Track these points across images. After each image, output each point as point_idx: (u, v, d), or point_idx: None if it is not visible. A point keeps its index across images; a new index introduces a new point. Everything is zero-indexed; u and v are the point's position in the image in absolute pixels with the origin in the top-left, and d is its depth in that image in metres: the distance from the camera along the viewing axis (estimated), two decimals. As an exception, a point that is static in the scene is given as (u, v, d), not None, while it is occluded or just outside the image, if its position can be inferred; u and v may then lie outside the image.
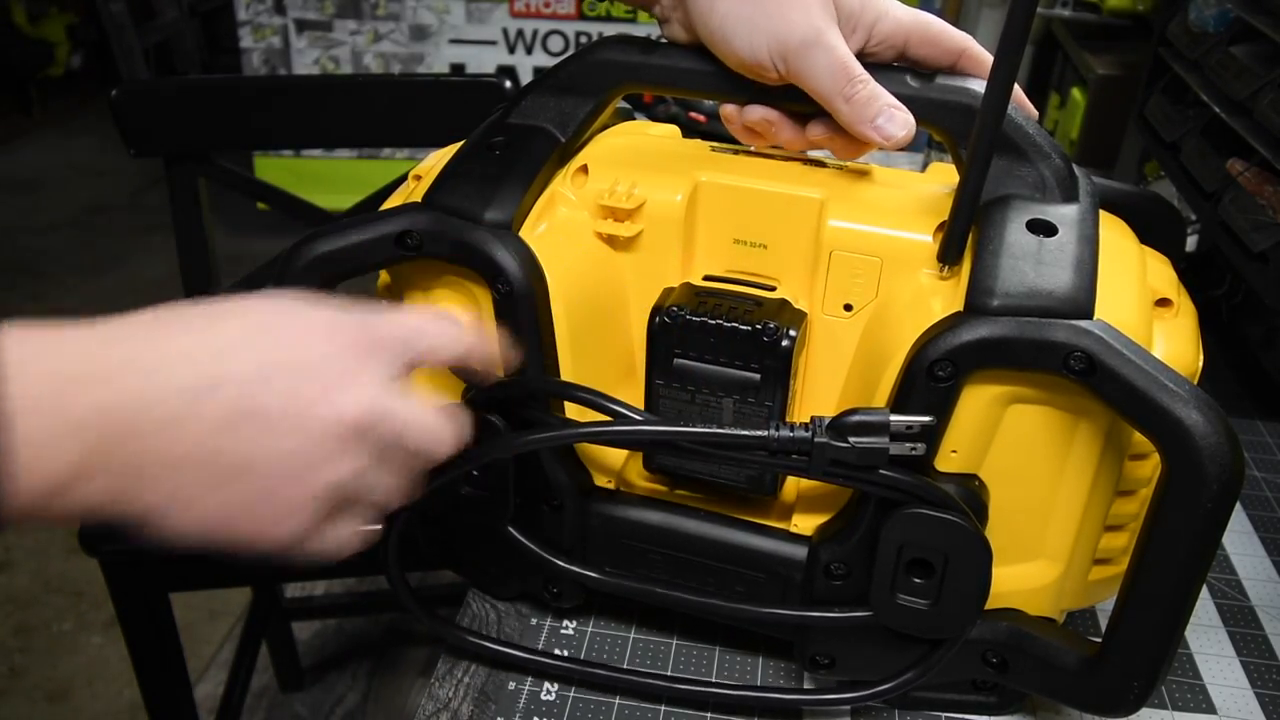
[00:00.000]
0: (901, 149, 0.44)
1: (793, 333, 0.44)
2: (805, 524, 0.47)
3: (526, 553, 0.49)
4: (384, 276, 0.49)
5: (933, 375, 0.39)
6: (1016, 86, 0.40)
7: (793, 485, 0.49)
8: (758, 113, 0.46)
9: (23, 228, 2.91)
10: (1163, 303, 0.43)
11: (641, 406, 0.47)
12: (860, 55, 0.45)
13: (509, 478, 0.46)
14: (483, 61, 2.53)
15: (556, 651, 0.50)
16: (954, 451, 0.41)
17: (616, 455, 0.50)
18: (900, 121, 0.43)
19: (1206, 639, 0.54)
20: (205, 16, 3.29)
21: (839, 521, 0.45)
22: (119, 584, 0.98)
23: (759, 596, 0.47)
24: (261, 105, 1.16)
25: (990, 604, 0.43)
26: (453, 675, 0.50)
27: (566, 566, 0.48)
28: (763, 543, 0.47)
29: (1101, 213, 0.44)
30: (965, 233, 0.42)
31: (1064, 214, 0.42)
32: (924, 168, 0.51)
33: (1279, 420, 0.74)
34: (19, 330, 0.31)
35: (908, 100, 0.44)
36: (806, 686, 0.49)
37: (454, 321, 0.41)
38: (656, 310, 0.45)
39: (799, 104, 0.45)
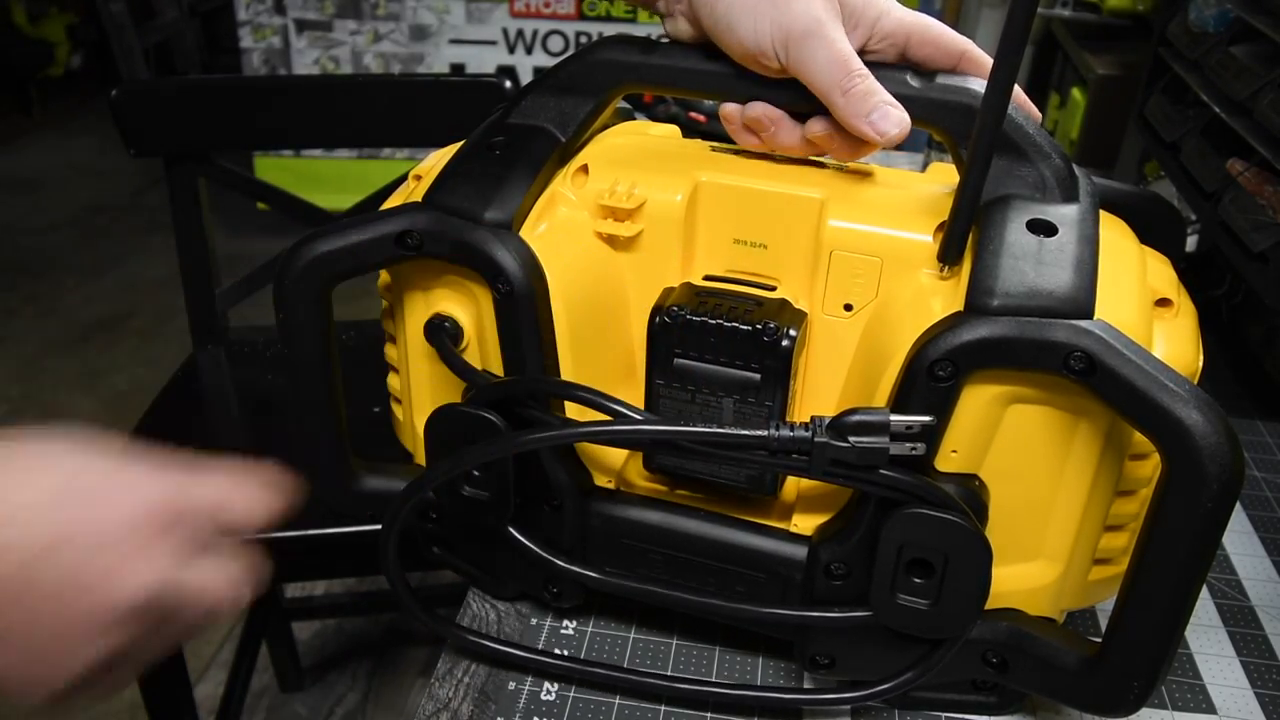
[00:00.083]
0: (900, 149, 0.44)
1: (793, 333, 0.44)
2: (805, 524, 0.47)
3: (526, 553, 0.49)
4: (384, 276, 0.49)
5: (933, 375, 0.39)
6: (1017, 87, 0.40)
7: (793, 485, 0.49)
8: (758, 109, 0.46)
9: (23, 228, 2.92)
10: (1163, 303, 0.43)
11: (642, 406, 0.47)
12: (862, 53, 0.45)
13: (509, 477, 0.46)
14: (483, 61, 2.53)
15: (556, 651, 0.50)
16: (954, 451, 0.41)
17: (616, 455, 0.50)
18: (895, 119, 0.43)
19: (1206, 639, 0.54)
20: (205, 16, 3.30)
21: (839, 521, 0.45)
22: (119, 584, 0.98)
23: (759, 596, 0.47)
24: (261, 105, 1.16)
25: (990, 604, 0.43)
26: (453, 675, 0.50)
27: (566, 566, 0.48)
28: (763, 543, 0.47)
29: (1101, 213, 0.44)
30: (965, 233, 0.42)
31: (1064, 214, 0.42)
32: (924, 168, 0.51)
33: (1279, 420, 0.74)
34: None
35: (908, 100, 0.44)
36: (806, 686, 0.49)
37: (265, 491, 0.40)
38: (656, 310, 0.45)
39: (799, 102, 0.45)
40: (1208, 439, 0.36)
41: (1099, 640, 0.43)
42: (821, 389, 0.48)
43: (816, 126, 0.45)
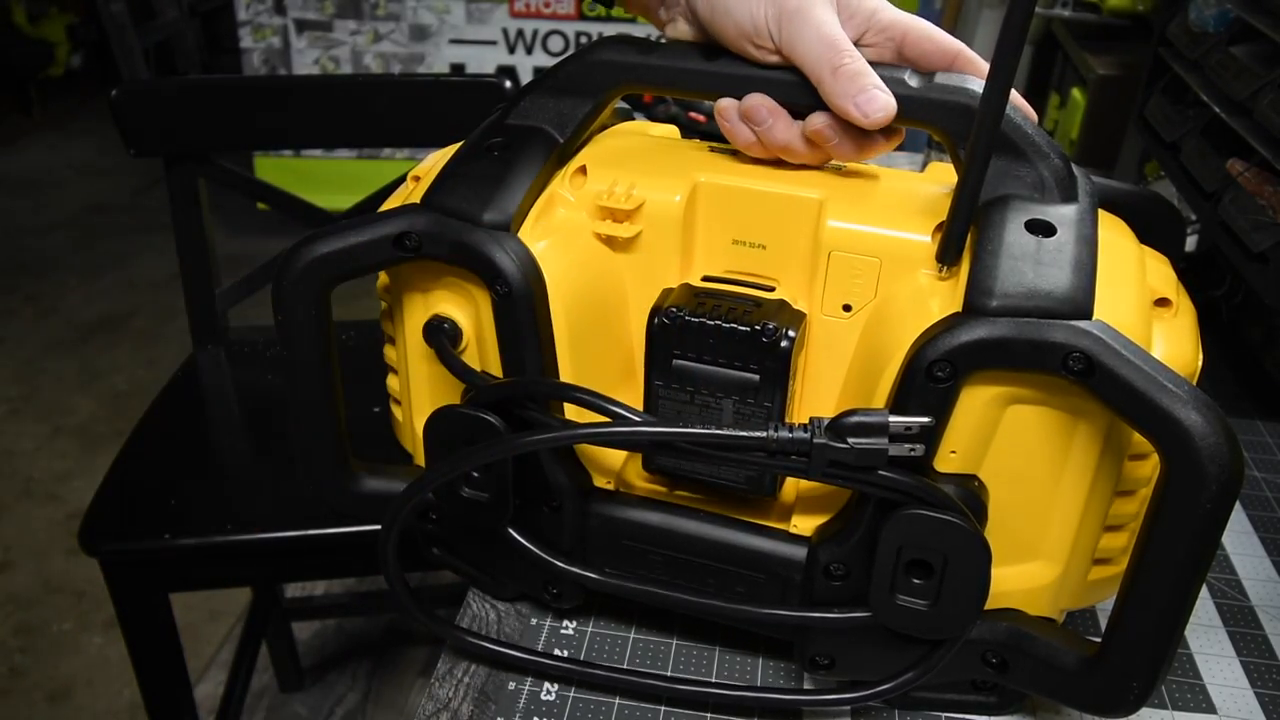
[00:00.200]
0: (900, 149, 0.44)
1: (791, 333, 0.44)
2: (805, 525, 0.47)
3: (526, 554, 0.49)
4: (383, 278, 0.49)
5: (931, 376, 0.39)
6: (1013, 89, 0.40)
7: (792, 486, 0.49)
8: (755, 99, 0.46)
9: (23, 228, 2.92)
10: (1162, 303, 0.43)
11: (641, 407, 0.47)
12: (858, 45, 0.45)
13: (508, 479, 0.46)
14: (483, 61, 2.53)
15: (556, 652, 0.50)
16: (953, 452, 0.41)
17: (616, 456, 0.50)
18: (881, 103, 0.43)
19: (1206, 639, 0.54)
20: (205, 16, 3.30)
21: (838, 522, 0.45)
22: (119, 584, 0.98)
23: (758, 597, 0.47)
24: (261, 105, 1.16)
25: (990, 604, 0.43)
26: (453, 675, 0.50)
27: (566, 567, 0.48)
28: (762, 543, 0.47)
29: (1101, 212, 0.44)
30: (964, 233, 0.42)
31: (1063, 214, 0.42)
32: (923, 168, 0.51)
33: (1279, 420, 0.74)
34: None
35: (907, 100, 0.44)
36: (806, 687, 0.49)
37: None
38: (655, 311, 0.45)
39: (796, 96, 0.45)
40: (1207, 439, 0.36)
41: (1099, 640, 0.43)
42: (821, 390, 0.48)
43: (818, 121, 0.45)
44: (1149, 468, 0.42)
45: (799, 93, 0.45)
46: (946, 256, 0.42)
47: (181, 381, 1.19)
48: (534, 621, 0.53)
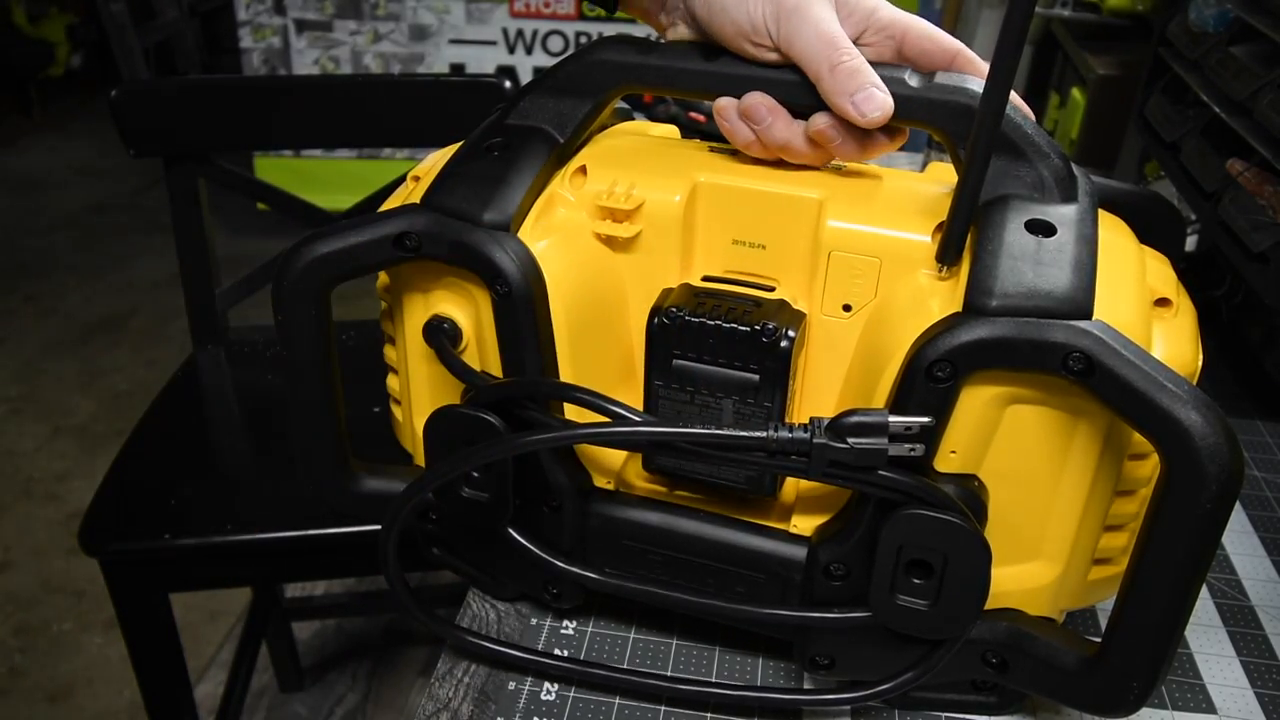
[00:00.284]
0: (900, 149, 0.44)
1: (791, 333, 0.44)
2: (805, 524, 0.47)
3: (526, 554, 0.49)
4: (383, 278, 0.49)
5: (931, 376, 0.39)
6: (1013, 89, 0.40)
7: (792, 486, 0.49)
8: (755, 97, 0.46)
9: (23, 228, 2.92)
10: (1162, 303, 0.43)
11: (641, 407, 0.47)
12: (858, 43, 0.45)
13: (508, 479, 0.46)
14: (483, 61, 2.53)
15: (556, 651, 0.50)
16: (953, 452, 0.41)
17: (616, 456, 0.50)
18: (878, 102, 0.43)
19: (1206, 639, 0.54)
20: (205, 16, 3.30)
21: (838, 522, 0.45)
22: (119, 584, 0.98)
23: (758, 597, 0.47)
24: (261, 105, 1.16)
25: (990, 604, 0.43)
26: (453, 675, 0.50)
27: (566, 567, 0.48)
28: (762, 543, 0.47)
29: (1101, 212, 0.44)
30: (964, 233, 0.42)
31: (1063, 214, 0.42)
32: (923, 168, 0.51)
33: (1279, 420, 0.74)
34: None
35: (907, 99, 0.44)
36: (806, 686, 0.49)
37: None
38: (655, 311, 0.45)
39: (796, 94, 0.45)
40: (1207, 439, 0.36)
41: (1099, 640, 0.43)
42: (821, 390, 0.48)
43: (821, 121, 0.45)
44: (1149, 468, 0.42)
45: (798, 91, 0.45)
46: (946, 256, 0.42)
47: (181, 381, 1.19)
48: (534, 621, 0.53)
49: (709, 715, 0.48)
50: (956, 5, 2.29)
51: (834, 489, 0.46)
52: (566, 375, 0.46)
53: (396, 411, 0.53)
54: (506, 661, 0.50)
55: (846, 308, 0.46)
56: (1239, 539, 0.62)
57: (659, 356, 0.46)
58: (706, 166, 0.48)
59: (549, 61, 2.45)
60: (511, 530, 0.48)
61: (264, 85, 1.31)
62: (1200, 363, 0.43)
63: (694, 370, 0.45)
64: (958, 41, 0.46)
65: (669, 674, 0.49)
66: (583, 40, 2.49)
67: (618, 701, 0.48)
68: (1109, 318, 0.38)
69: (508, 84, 1.13)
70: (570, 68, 0.48)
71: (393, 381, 0.52)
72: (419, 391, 0.50)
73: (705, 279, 0.48)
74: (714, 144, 0.51)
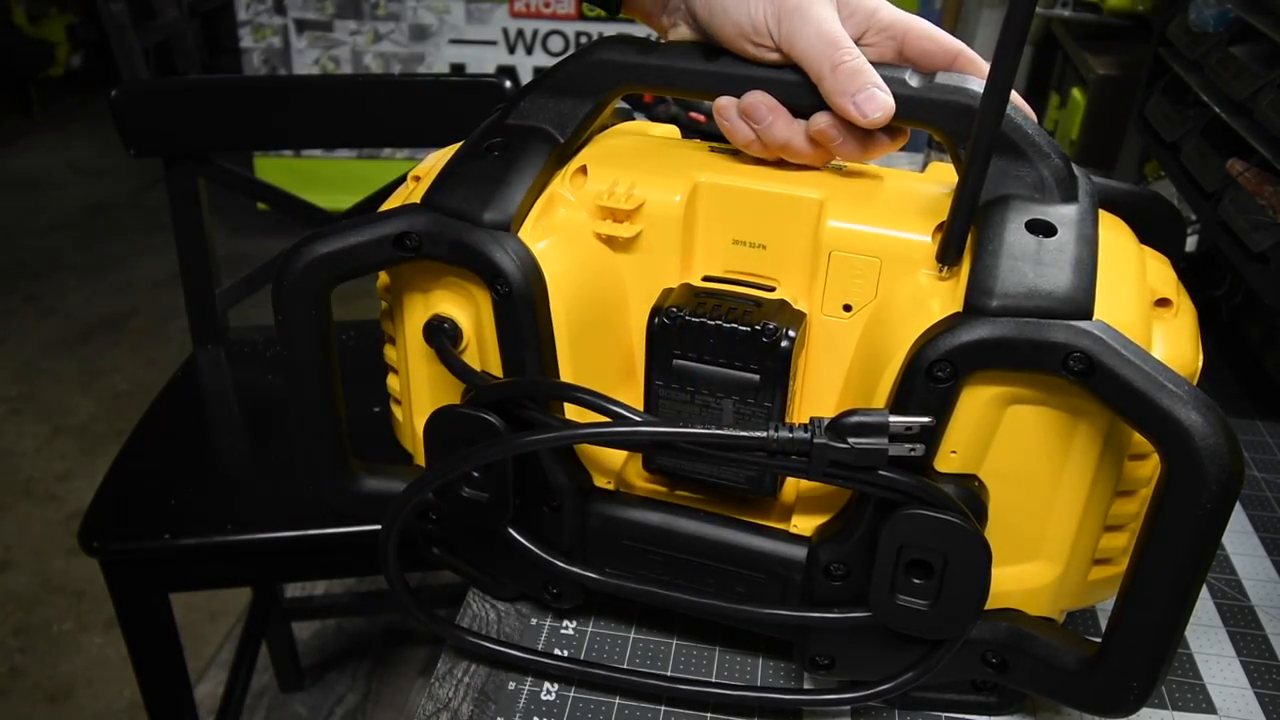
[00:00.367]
0: (901, 149, 0.44)
1: (792, 333, 0.44)
2: (805, 524, 0.47)
3: (526, 553, 0.49)
4: (383, 277, 0.49)
5: (932, 376, 0.39)
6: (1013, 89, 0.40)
7: (792, 486, 0.49)
8: (755, 95, 0.46)
9: (23, 228, 2.92)
10: (1162, 303, 0.43)
11: (641, 407, 0.47)
12: (860, 43, 0.45)
13: (508, 479, 0.46)
14: (483, 61, 2.53)
15: (556, 651, 0.50)
16: (953, 452, 0.41)
17: (616, 456, 0.50)
18: (879, 103, 0.43)
19: (1206, 639, 0.54)
20: (205, 16, 3.30)
21: (838, 522, 0.45)
22: (119, 584, 0.98)
23: (759, 597, 0.47)
24: (261, 105, 1.16)
25: (990, 604, 0.43)
26: (453, 675, 0.50)
27: (566, 567, 0.48)
28: (762, 543, 0.47)
29: (1101, 212, 0.44)
30: (964, 233, 0.42)
31: (1063, 214, 0.42)
32: (923, 168, 0.51)
33: (1279, 420, 0.74)
34: None
35: (908, 99, 0.44)
36: (806, 686, 0.49)
37: None
38: (656, 311, 0.45)
39: (797, 94, 0.45)
40: (1207, 440, 0.36)
41: (1099, 640, 0.43)
42: (821, 390, 0.48)
43: (822, 120, 0.45)
44: (1149, 468, 0.42)
45: (799, 92, 0.45)
46: (947, 256, 0.42)
47: (181, 381, 1.19)
48: (534, 621, 0.53)
49: (709, 715, 0.48)
50: (956, 5, 2.29)
51: (834, 489, 0.46)
52: (566, 375, 0.46)
53: (396, 411, 0.53)
54: (506, 661, 0.50)
55: (847, 308, 0.46)
56: (1239, 539, 0.62)
57: (659, 356, 0.46)
58: (707, 166, 0.48)
59: (549, 61, 2.45)
60: (511, 530, 0.48)
61: (264, 85, 1.31)
62: (1200, 363, 0.43)
63: (694, 370, 0.45)
64: (959, 42, 0.46)
65: (669, 674, 0.49)
66: (583, 40, 2.49)
67: (618, 701, 0.48)
68: (1109, 318, 0.38)
69: (508, 84, 1.13)
70: (570, 68, 0.48)
71: (393, 381, 0.52)
72: (419, 391, 0.50)
73: (705, 279, 0.48)
74: (714, 144, 0.51)
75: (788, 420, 0.46)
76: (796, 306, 0.46)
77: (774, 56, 0.45)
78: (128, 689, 1.51)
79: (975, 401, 0.40)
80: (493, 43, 2.51)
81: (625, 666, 0.50)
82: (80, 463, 1.99)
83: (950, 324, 0.39)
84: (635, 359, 0.50)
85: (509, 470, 0.46)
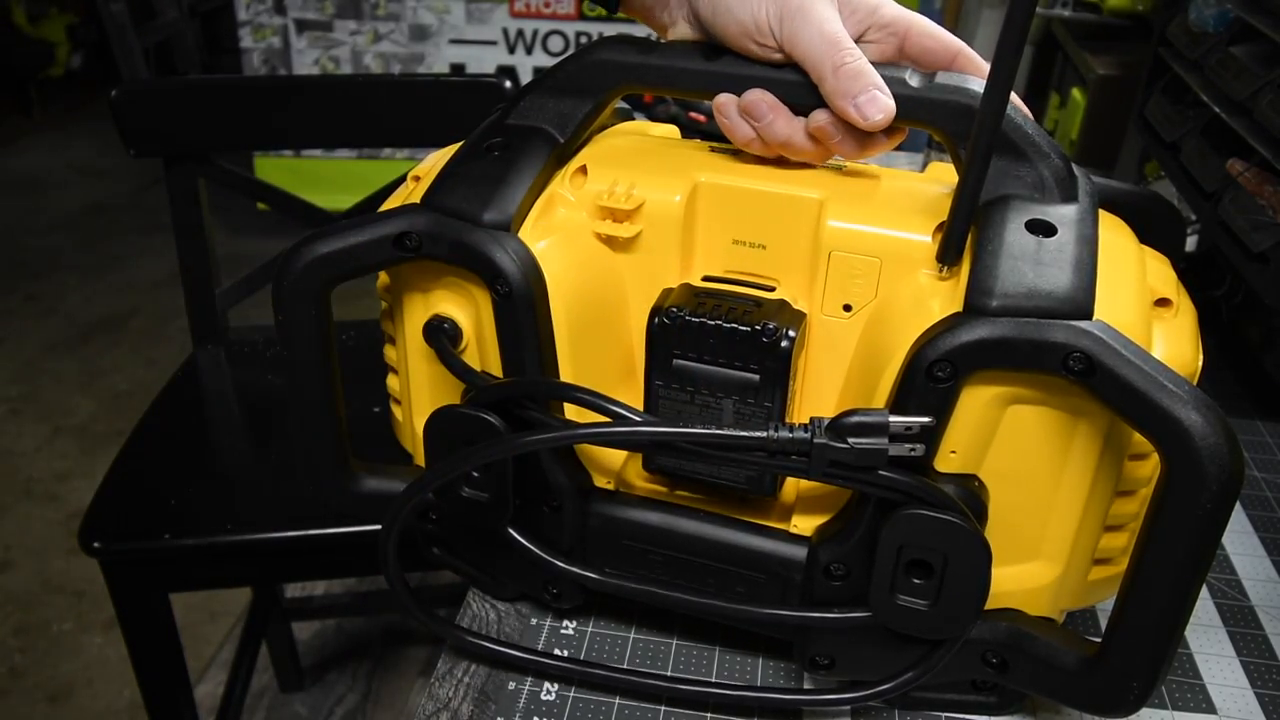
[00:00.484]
0: (900, 149, 0.44)
1: (792, 333, 0.44)
2: (805, 524, 0.47)
3: (526, 553, 0.49)
4: (383, 277, 0.49)
5: (932, 376, 0.39)
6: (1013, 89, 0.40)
7: (792, 486, 0.49)
8: (756, 94, 0.46)
9: (23, 228, 2.92)
10: (1162, 303, 0.43)
11: (641, 407, 0.47)
12: (861, 41, 0.45)
13: (508, 479, 0.46)
14: (483, 61, 2.53)
15: (556, 652, 0.50)
16: (953, 452, 0.41)
17: (616, 456, 0.50)
18: (881, 105, 0.43)
19: (1206, 639, 0.54)
20: (205, 16, 3.30)
21: (838, 522, 0.45)
22: (119, 584, 0.98)
23: (759, 597, 0.47)
24: (261, 105, 1.16)
25: (990, 604, 0.43)
26: (453, 675, 0.50)
27: (566, 567, 0.48)
28: (762, 543, 0.47)
29: (1101, 212, 0.44)
30: (964, 233, 0.42)
31: (1063, 214, 0.42)
32: (923, 168, 0.51)
33: (1279, 420, 0.74)
34: None
35: (908, 100, 0.44)
36: (806, 686, 0.49)
37: None
38: (655, 311, 0.45)
39: (797, 93, 0.45)
40: (1207, 440, 0.36)
41: (1099, 640, 0.43)
42: (821, 390, 0.48)
43: (821, 117, 0.45)
44: (1149, 468, 0.42)
45: (800, 92, 0.45)
46: (947, 256, 0.42)
47: (181, 381, 1.19)
48: (534, 621, 0.53)
49: (709, 715, 0.48)
50: (957, 5, 2.29)
51: (834, 489, 0.46)
52: (566, 375, 0.46)
53: (396, 411, 0.53)
54: (506, 661, 0.50)
55: (847, 308, 0.46)
56: (1239, 539, 0.62)
57: (659, 356, 0.46)
58: (707, 166, 0.48)
59: (549, 61, 2.45)
60: (511, 530, 0.48)
61: (264, 85, 1.31)
62: (1200, 363, 0.43)
63: (694, 370, 0.45)
64: (959, 40, 0.46)
65: (669, 674, 0.49)
66: (583, 40, 2.49)
67: (618, 701, 0.48)
68: (1109, 318, 0.38)
69: (508, 84, 1.13)
70: (570, 68, 0.48)
71: (393, 381, 0.52)
72: (419, 391, 0.50)
73: (705, 279, 0.48)
74: (714, 144, 0.51)
75: (788, 420, 0.46)
76: (796, 306, 0.46)
77: (777, 56, 0.45)
78: (128, 689, 1.51)
79: (975, 401, 0.40)
80: (493, 43, 2.51)
81: (625, 666, 0.50)
82: (80, 463, 1.99)
83: (950, 324, 0.39)
84: (635, 359, 0.50)
85: (509, 470, 0.46)
